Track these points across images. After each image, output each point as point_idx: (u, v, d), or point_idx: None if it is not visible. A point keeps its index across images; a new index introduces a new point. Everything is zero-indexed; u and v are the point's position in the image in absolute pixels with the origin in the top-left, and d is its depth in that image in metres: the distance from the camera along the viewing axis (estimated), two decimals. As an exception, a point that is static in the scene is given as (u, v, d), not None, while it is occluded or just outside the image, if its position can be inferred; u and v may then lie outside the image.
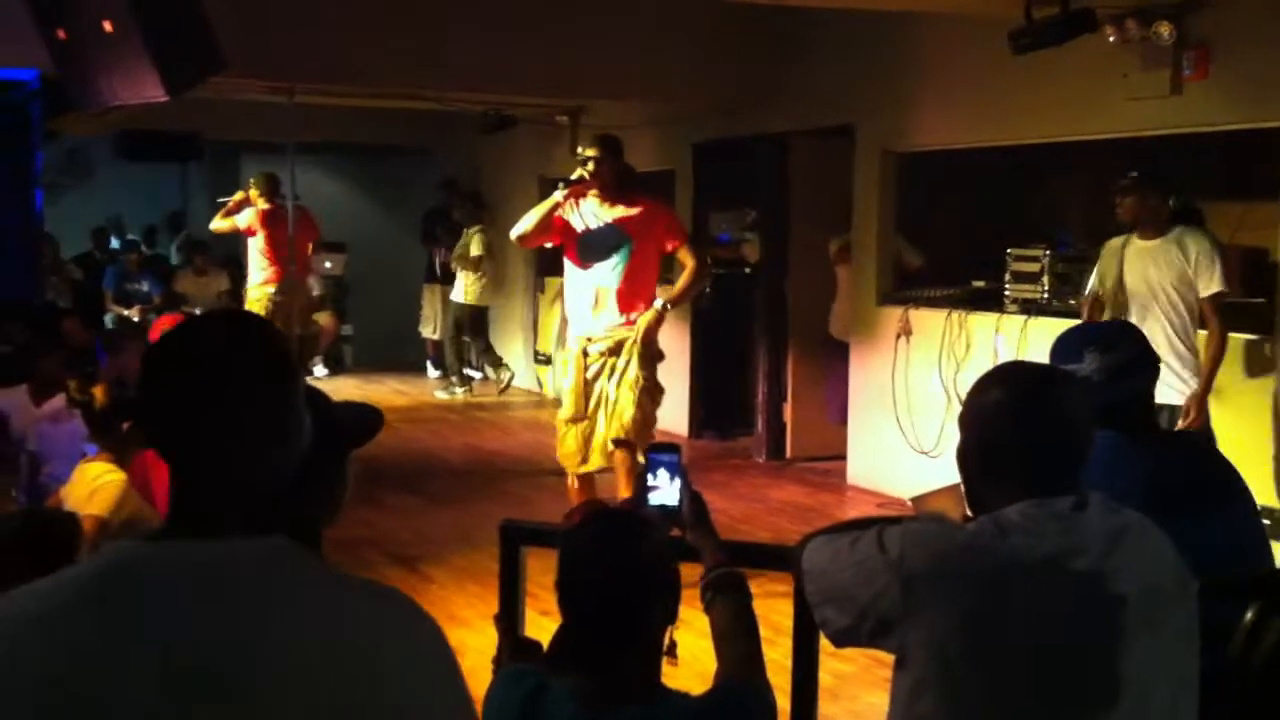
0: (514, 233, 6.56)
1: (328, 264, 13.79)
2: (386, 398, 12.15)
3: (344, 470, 2.22)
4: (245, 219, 11.03)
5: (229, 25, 6.48)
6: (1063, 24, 6.32)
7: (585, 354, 6.25)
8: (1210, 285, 5.84)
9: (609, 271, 6.18)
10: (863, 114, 8.63)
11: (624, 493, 5.91)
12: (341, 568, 2.22)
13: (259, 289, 11.02)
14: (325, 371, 13.51)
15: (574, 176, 6.26)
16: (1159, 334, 5.69)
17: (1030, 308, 7.33)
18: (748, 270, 9.97)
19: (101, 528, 3.98)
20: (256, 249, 11.06)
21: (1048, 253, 7.37)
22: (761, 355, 9.62)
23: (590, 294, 6.24)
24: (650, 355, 6.24)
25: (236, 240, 14.38)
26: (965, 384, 7.42)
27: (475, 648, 5.10)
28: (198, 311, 10.95)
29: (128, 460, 4.36)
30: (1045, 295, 7.31)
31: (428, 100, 10.55)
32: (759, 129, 9.47)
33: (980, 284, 7.94)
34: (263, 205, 10.93)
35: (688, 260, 6.36)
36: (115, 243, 14.67)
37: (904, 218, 8.74)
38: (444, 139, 13.56)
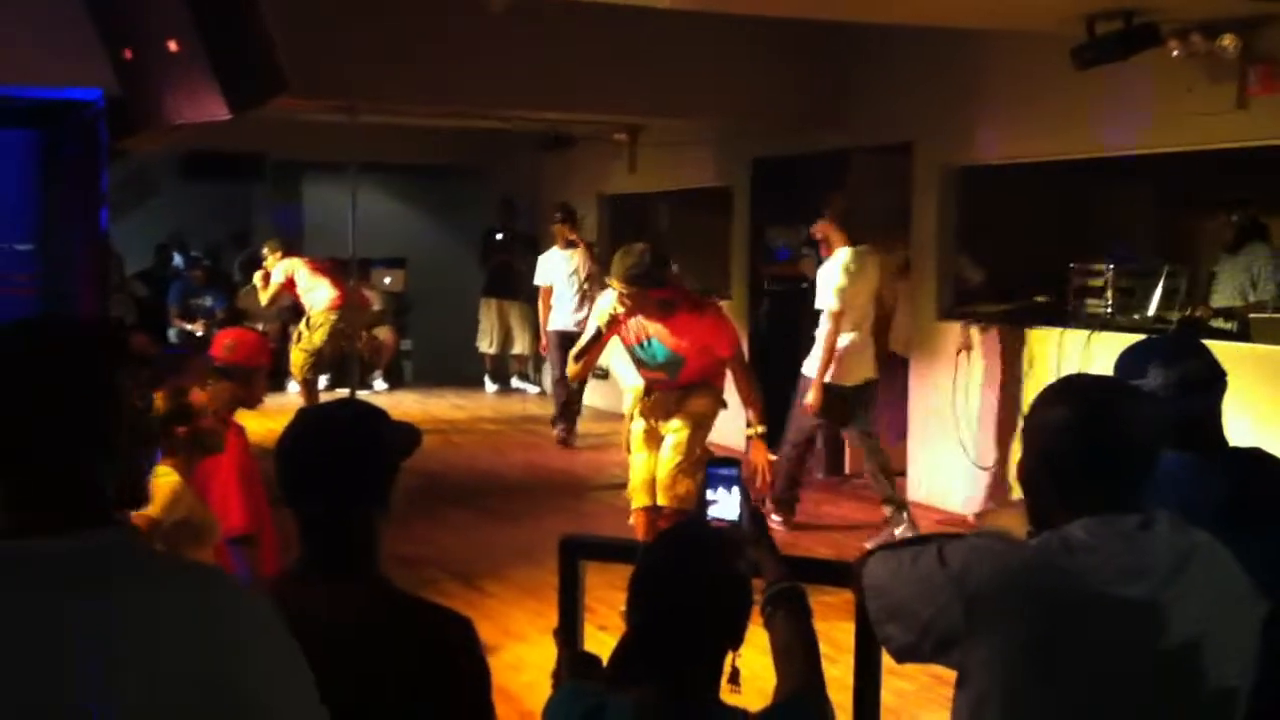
0: (568, 372, 6.46)
1: (387, 280, 13.90)
2: (446, 412, 12.20)
3: (395, 481, 2.30)
4: (280, 273, 11.42)
5: (292, 45, 6.56)
6: (1126, 39, 6.27)
7: (649, 393, 6.12)
8: None
9: (664, 377, 6.01)
10: (923, 129, 8.59)
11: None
12: (402, 584, 2.26)
13: (322, 314, 11.18)
14: (385, 386, 13.61)
15: (607, 317, 5.86)
16: None
17: (1094, 323, 7.25)
18: (805, 286, 9.93)
19: (153, 527, 4.00)
20: (310, 278, 11.27)
21: (1111, 267, 7.29)
22: (820, 371, 9.54)
23: (648, 383, 6.11)
24: (712, 411, 6.10)
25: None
26: (1027, 399, 7.39)
27: (534, 663, 5.12)
28: (260, 327, 11.10)
29: (192, 467, 4.38)
30: (1109, 310, 7.23)
31: (488, 119, 10.60)
32: (818, 145, 9.45)
33: (1042, 299, 7.86)
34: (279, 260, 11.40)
35: (735, 373, 6.03)
36: (178, 259, 14.87)
37: (964, 233, 8.68)
38: (503, 157, 13.64)
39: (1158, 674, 2.08)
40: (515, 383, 13.84)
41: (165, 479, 4.25)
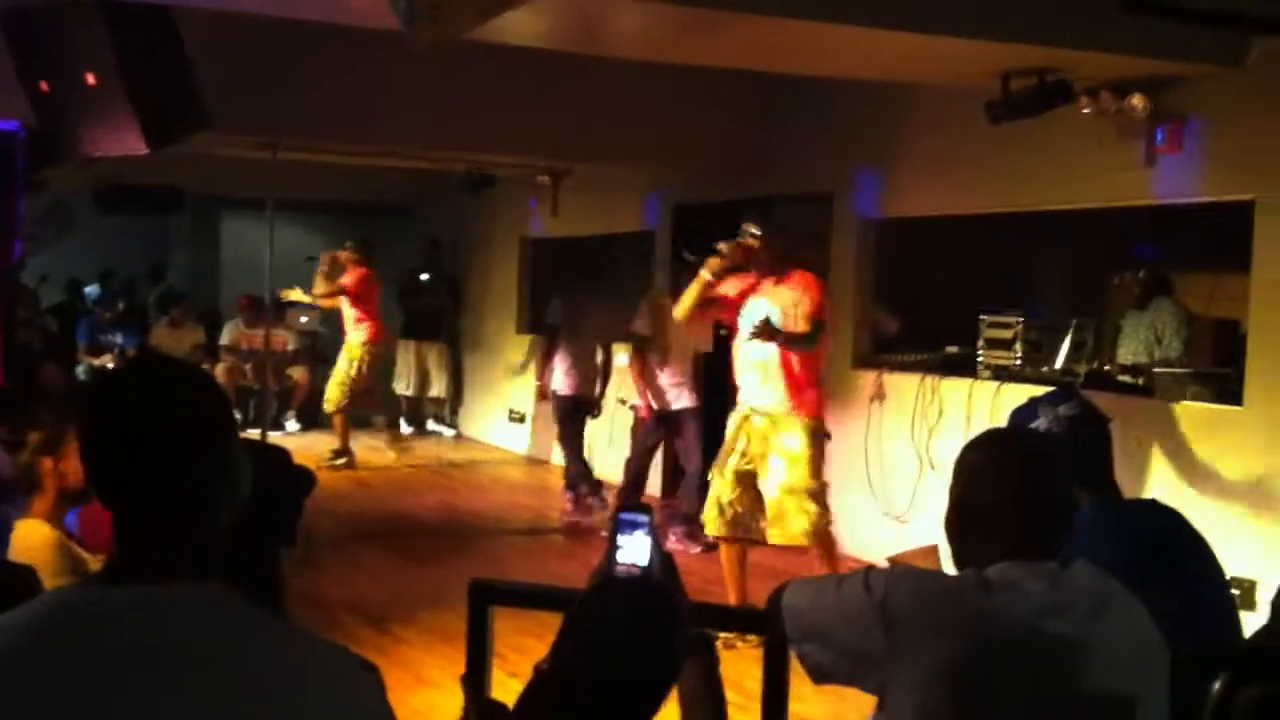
0: (676, 312, 6.76)
1: (303, 319, 13.77)
2: (361, 454, 12.08)
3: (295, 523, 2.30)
4: (351, 279, 11.20)
5: (213, 80, 6.52)
6: (1039, 95, 6.41)
7: (749, 419, 6.41)
8: None
9: (764, 347, 6.27)
10: (842, 181, 8.71)
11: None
12: (311, 626, 2.24)
13: (360, 347, 11.29)
14: (298, 426, 13.45)
15: (720, 247, 6.39)
16: None
17: (1002, 374, 7.35)
18: (724, 333, 9.98)
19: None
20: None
21: (1020, 320, 7.41)
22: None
23: (751, 368, 6.38)
24: (818, 444, 6.44)
25: (213, 294, 14.41)
26: (936, 449, 7.47)
27: (444, 710, 5.07)
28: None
29: (63, 511, 4.20)
30: (1018, 362, 7.34)
31: (410, 158, 10.58)
32: (741, 193, 9.52)
33: (954, 349, 7.97)
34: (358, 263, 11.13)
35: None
36: (95, 293, 14.65)
37: (881, 283, 8.79)
38: (426, 197, 13.60)
39: (1075, 710, 2.12)
40: (431, 425, 13.75)
41: (40, 537, 4.04)
